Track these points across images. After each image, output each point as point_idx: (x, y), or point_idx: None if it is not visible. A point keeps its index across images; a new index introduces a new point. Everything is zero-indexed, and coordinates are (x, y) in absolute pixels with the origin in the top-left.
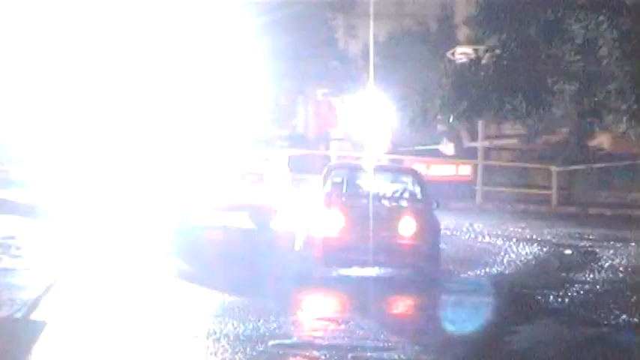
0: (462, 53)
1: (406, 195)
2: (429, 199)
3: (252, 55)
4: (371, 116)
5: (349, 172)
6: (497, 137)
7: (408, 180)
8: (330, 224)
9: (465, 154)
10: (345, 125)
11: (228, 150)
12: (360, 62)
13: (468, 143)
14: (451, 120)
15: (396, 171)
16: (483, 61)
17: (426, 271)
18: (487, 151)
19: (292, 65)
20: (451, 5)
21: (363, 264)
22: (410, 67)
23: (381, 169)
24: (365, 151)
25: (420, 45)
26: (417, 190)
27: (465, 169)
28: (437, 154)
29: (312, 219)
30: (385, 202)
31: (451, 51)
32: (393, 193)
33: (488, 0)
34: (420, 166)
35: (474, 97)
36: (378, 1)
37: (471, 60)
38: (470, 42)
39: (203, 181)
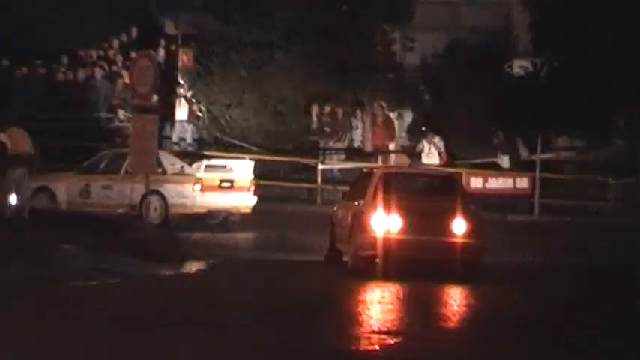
0: (520, 66)
1: (452, 197)
2: (469, 201)
3: (310, 68)
4: (428, 129)
5: (402, 178)
6: (554, 149)
7: (451, 184)
8: (390, 225)
9: (521, 167)
10: (401, 137)
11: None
12: (417, 74)
13: (526, 156)
14: (508, 133)
15: (440, 176)
16: (541, 74)
17: (475, 266)
18: (545, 164)
19: (349, 78)
20: (508, 16)
21: (421, 260)
22: (467, 80)
23: (427, 174)
24: (421, 163)
25: (477, 57)
26: (460, 193)
27: (523, 182)
28: (495, 167)
29: (372, 222)
30: (436, 205)
31: (508, 64)
32: (441, 196)
33: (544, 12)
34: (477, 180)
35: (531, 110)
36: (434, 14)
37: (528, 73)
38: (527, 54)
39: None
